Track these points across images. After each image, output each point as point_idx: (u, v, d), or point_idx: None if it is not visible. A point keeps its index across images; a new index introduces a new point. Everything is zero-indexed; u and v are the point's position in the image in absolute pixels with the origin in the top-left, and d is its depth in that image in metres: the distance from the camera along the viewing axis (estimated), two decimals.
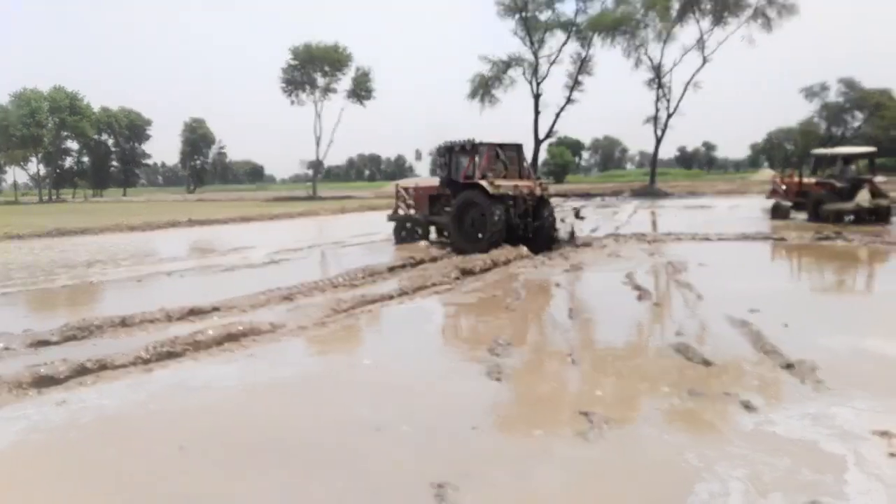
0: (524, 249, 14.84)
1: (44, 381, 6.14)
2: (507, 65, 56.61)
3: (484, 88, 57.04)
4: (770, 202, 25.16)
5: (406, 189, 18.89)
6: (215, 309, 9.13)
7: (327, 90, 65.20)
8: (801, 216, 22.83)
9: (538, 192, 16.02)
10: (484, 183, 15.33)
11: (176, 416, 5.11)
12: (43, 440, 4.76)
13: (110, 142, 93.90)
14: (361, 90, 64.97)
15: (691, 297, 9.62)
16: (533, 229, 15.79)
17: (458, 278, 11.50)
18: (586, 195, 52.96)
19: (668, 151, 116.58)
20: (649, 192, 51.75)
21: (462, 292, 10.41)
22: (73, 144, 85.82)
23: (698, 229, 19.93)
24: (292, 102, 65.70)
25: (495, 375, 5.99)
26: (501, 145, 16.52)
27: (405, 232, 18.01)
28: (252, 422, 4.97)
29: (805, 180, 24.01)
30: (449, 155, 17.05)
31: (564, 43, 56.25)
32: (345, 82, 65.46)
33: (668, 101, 54.89)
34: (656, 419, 4.94)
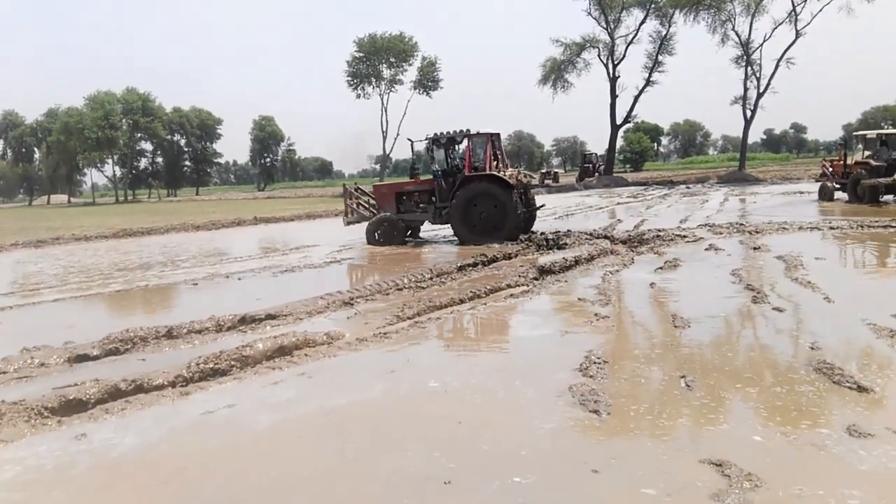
0: (608, 244, 13.58)
1: (69, 408, 5.36)
2: (581, 47, 54.60)
3: (556, 73, 55.24)
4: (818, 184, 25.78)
5: (357, 189, 18.48)
6: (269, 316, 8.28)
7: (393, 82, 64.65)
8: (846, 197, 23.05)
9: (524, 180, 16.73)
10: (505, 174, 15.98)
11: (191, 463, 4.13)
12: (26, 493, 3.87)
13: (182, 142, 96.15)
14: (428, 80, 64.10)
15: (817, 299, 8.13)
16: (525, 217, 16.47)
17: (536, 278, 10.30)
18: (668, 183, 50.58)
19: (753, 135, 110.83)
20: (738, 177, 48.75)
21: (542, 295, 9.21)
22: (147, 145, 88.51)
23: (802, 217, 18.01)
24: (358, 96, 65.42)
25: (592, 405, 4.81)
26: (491, 134, 16.50)
27: (379, 233, 16.76)
28: (284, 475, 3.94)
29: (849, 162, 24.02)
30: (441, 146, 16.65)
31: (643, 21, 53.88)
32: (411, 73, 64.75)
33: (759, 79, 51.61)
34: (815, 469, 3.67)
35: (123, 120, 77.14)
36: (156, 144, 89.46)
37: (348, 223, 17.92)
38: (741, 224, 16.76)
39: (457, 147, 16.98)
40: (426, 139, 16.74)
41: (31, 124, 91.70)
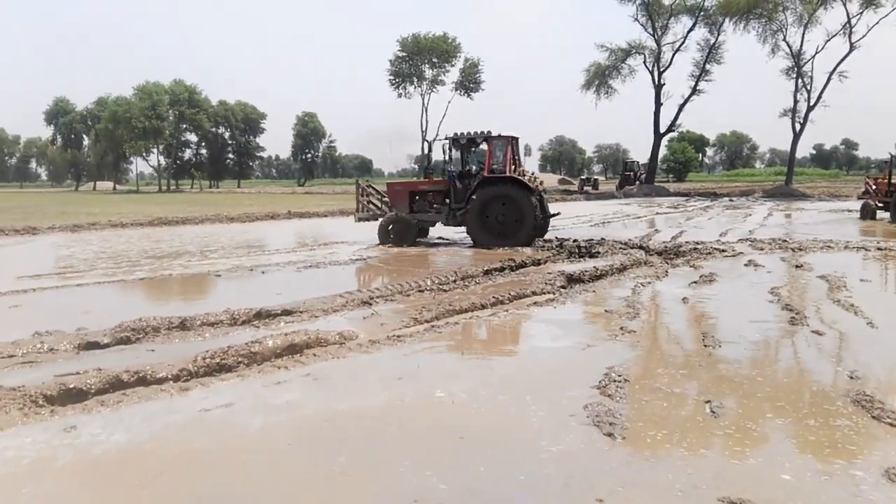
0: (642, 254, 13.18)
1: (66, 397, 5.22)
2: (627, 53, 53.78)
3: (600, 79, 54.51)
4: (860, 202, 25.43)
5: (369, 186, 18.13)
6: (285, 312, 8.11)
7: (435, 82, 64.55)
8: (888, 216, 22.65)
9: (539, 186, 16.54)
10: (524, 178, 15.90)
11: (172, 466, 3.90)
12: None
13: (227, 135, 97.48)
14: (470, 82, 63.87)
15: (860, 324, 7.63)
16: (540, 224, 16.28)
17: (563, 287, 9.95)
18: (711, 194, 49.53)
19: (802, 150, 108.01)
20: (784, 192, 47.50)
21: (567, 305, 8.85)
22: (192, 137, 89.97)
23: (848, 236, 17.29)
24: (399, 95, 65.51)
25: (607, 427, 4.48)
26: (511, 138, 16.22)
27: (392, 232, 16.43)
28: (265, 487, 3.67)
29: (894, 181, 23.40)
30: (460, 147, 16.47)
31: (691, 29, 53.00)
32: (453, 74, 64.60)
33: (809, 92, 50.22)
34: None
35: (170, 111, 78.53)
36: (200, 136, 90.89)
37: (359, 219, 17.68)
38: (784, 240, 16.14)
39: (474, 149, 16.78)
40: (446, 139, 16.52)
41: (81, 111, 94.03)
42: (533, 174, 17.14)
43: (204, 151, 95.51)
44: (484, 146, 16.32)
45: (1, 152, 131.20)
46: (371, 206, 17.55)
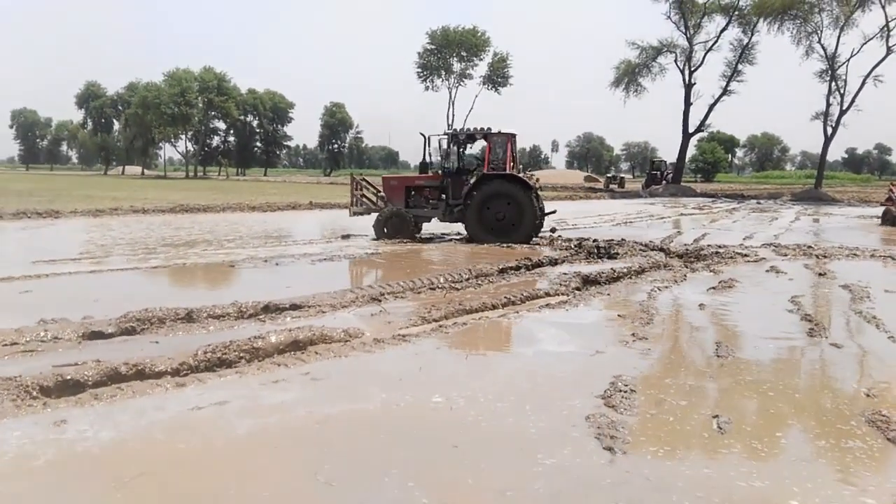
0: (662, 257, 12.96)
1: (61, 389, 5.17)
2: (658, 51, 53.06)
3: (630, 76, 53.88)
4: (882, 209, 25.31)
5: (363, 180, 17.97)
6: (293, 306, 8.03)
7: (463, 76, 64.30)
8: None
9: (536, 183, 16.57)
10: (524, 175, 16.11)
11: (152, 468, 3.79)
12: None
13: (255, 123, 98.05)
14: (498, 76, 63.49)
15: (881, 338, 7.35)
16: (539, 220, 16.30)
17: (577, 288, 9.76)
18: (739, 196, 48.78)
19: (834, 153, 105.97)
20: (813, 196, 46.64)
21: (580, 307, 8.67)
22: (220, 124, 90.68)
23: (874, 244, 16.84)
24: (427, 88, 65.38)
25: (607, 441, 4.32)
26: (510, 135, 16.19)
27: (388, 227, 16.19)
28: (241, 495, 3.56)
29: None
30: (459, 143, 16.46)
31: (724, 28, 52.15)
32: (481, 68, 64.27)
33: (842, 95, 49.15)
34: None
35: (199, 98, 79.17)
36: (229, 124, 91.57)
37: (354, 213, 17.46)
38: (809, 246, 15.75)
39: (470, 146, 16.81)
40: (444, 134, 16.45)
41: (112, 96, 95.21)
42: (529, 171, 17.56)
43: (232, 139, 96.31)
44: (482, 143, 16.31)
45: (33, 134, 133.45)
46: (365, 200, 17.37)
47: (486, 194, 15.69)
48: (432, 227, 18.13)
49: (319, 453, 4.06)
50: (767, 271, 11.99)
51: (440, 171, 16.66)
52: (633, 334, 7.18)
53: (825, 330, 7.55)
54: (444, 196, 16.48)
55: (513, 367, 6.10)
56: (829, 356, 6.65)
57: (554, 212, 17.84)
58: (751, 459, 4.18)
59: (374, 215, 16.69)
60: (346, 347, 6.46)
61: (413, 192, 16.79)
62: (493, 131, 16.08)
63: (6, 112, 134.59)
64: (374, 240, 15.93)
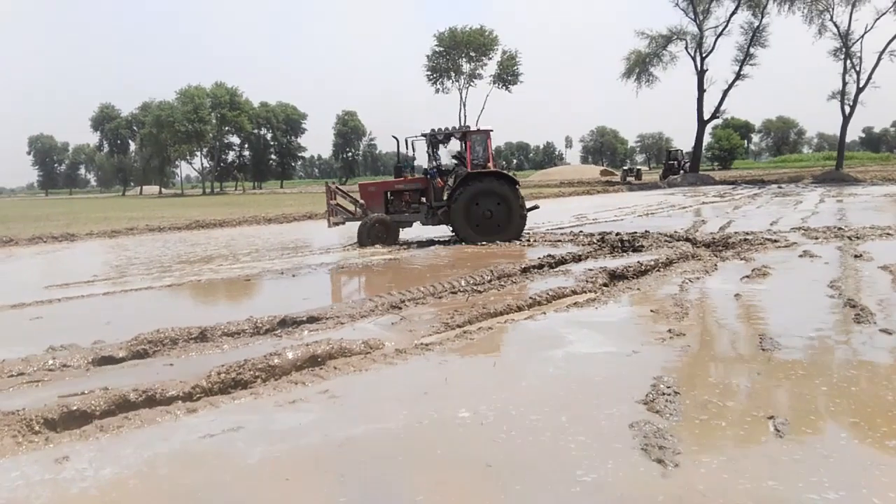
0: (689, 247, 12.53)
1: (66, 421, 4.86)
2: (668, 39, 52.36)
3: (640, 66, 53.22)
4: None
5: (338, 188, 17.37)
6: (311, 319, 7.71)
7: (473, 76, 63.96)
8: None
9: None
10: (509, 172, 16.10)
11: None
12: None
13: (269, 136, 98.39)
14: (508, 75, 63.06)
15: None
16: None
17: (605, 284, 9.35)
18: (759, 182, 47.92)
19: (851, 133, 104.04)
20: (835, 177, 45.68)
21: (609, 305, 8.25)
22: (234, 139, 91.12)
23: (879, 221, 16.27)
24: (437, 90, 65.14)
25: (655, 452, 3.92)
26: (487, 132, 16.03)
27: (371, 235, 15.70)
28: None
29: None
30: (438, 143, 16.27)
31: (734, 12, 51.36)
32: (490, 67, 63.90)
33: (858, 73, 48.19)
34: None
35: (212, 113, 79.54)
36: (243, 138, 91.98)
37: (333, 224, 16.78)
38: (839, 228, 15.18)
39: (445, 146, 16.50)
40: (422, 136, 16.06)
41: (127, 117, 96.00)
42: (506, 167, 17.50)
43: (247, 153, 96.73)
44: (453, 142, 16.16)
45: (51, 160, 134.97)
46: (339, 208, 16.80)
47: (473, 193, 15.43)
48: (407, 233, 17.24)
49: (337, 482, 3.70)
50: (801, 256, 11.49)
51: (425, 174, 16.30)
52: (669, 330, 6.76)
53: (872, 315, 7.08)
54: (423, 199, 16.18)
55: (544, 373, 5.71)
56: (881, 343, 6.19)
57: (536, 207, 17.50)
58: (818, 466, 3.77)
59: (353, 223, 16.28)
60: (367, 360, 6.12)
61: (392, 197, 16.40)
62: (471, 129, 15.86)
63: (24, 139, 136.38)
64: (361, 247, 15.46)
